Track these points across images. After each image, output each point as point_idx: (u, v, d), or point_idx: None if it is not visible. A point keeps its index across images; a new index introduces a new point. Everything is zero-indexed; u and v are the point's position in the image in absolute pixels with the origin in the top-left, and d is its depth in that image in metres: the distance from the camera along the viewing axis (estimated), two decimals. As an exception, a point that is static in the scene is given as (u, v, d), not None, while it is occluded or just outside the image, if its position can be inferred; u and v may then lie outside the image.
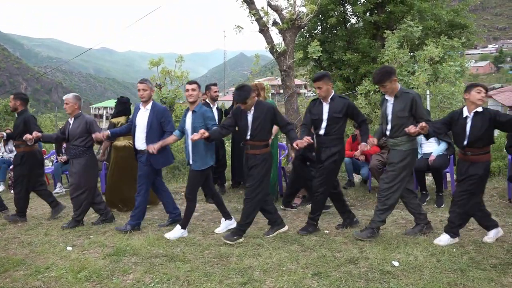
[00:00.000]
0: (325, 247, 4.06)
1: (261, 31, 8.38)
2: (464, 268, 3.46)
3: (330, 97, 4.41)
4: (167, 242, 4.34)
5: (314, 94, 11.23)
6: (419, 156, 5.68)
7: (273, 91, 24.30)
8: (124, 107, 6.15)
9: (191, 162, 4.57)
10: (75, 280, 3.47)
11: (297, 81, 15.67)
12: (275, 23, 8.36)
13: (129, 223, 4.82)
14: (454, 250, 3.88)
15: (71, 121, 5.14)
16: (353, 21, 16.21)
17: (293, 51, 8.30)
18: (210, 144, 4.54)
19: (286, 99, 8.26)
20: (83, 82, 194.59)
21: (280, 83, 8.81)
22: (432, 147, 5.80)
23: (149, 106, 4.86)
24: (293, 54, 8.30)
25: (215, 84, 6.75)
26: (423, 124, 3.87)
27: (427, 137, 4.15)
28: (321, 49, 8.85)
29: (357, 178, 7.05)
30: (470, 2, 15.71)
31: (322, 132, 4.41)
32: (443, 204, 5.55)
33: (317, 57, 9.04)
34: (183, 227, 4.59)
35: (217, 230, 4.72)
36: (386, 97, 4.24)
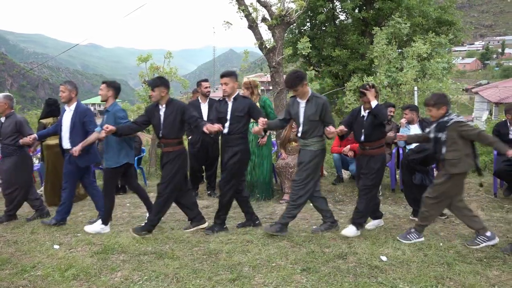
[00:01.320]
0: (314, 243, 4.08)
1: (250, 27, 8.33)
2: (450, 262, 3.51)
3: (234, 96, 4.47)
4: (155, 239, 4.31)
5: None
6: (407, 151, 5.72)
7: (262, 88, 24.28)
8: (51, 109, 6.32)
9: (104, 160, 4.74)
10: (62, 278, 3.43)
11: (286, 78, 15.67)
12: (264, 19, 8.32)
13: (55, 218, 4.96)
14: (441, 244, 3.94)
15: (2, 120, 5.27)
16: (342, 17, 16.28)
17: (282, 48, 8.28)
18: (124, 142, 4.63)
19: (276, 96, 8.25)
20: (70, 79, 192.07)
21: (269, 79, 8.79)
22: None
23: (72, 106, 4.98)
24: (282, 50, 8.28)
25: (206, 80, 6.70)
26: (341, 127, 4.34)
27: (342, 138, 4.66)
28: (310, 45, 8.86)
29: (346, 174, 7.08)
30: (457, -1, 15.89)
31: (226, 130, 4.46)
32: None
33: (306, 54, 9.05)
34: (104, 222, 4.68)
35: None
36: (298, 99, 4.33)
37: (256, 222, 4.75)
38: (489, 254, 3.65)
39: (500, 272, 3.31)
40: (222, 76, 4.50)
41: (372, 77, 8.97)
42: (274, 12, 8.14)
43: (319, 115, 4.24)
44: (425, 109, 4.26)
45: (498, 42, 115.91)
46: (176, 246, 4.10)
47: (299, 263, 3.62)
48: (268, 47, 8.12)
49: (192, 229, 4.59)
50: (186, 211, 4.71)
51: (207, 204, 5.93)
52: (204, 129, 4.17)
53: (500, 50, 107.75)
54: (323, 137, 4.34)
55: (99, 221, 4.70)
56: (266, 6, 8.20)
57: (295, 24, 15.73)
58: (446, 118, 3.90)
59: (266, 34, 8.77)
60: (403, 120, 5.47)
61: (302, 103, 4.31)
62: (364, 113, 4.33)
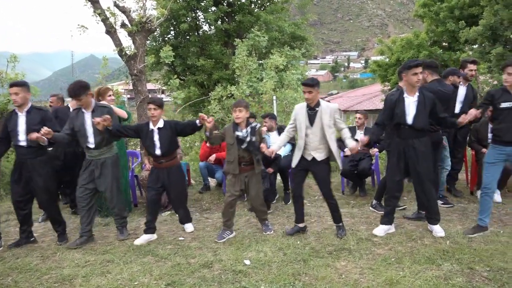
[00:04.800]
0: (180, 255, 4.01)
1: (108, 32, 7.88)
2: (306, 258, 3.80)
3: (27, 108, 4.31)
4: (-5, 271, 3.72)
5: (172, 99, 11.09)
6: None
7: (128, 96, 23.17)
8: None
9: None
10: None
11: (151, 86, 15.26)
12: (123, 25, 7.96)
13: None
14: (298, 242, 4.23)
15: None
16: (206, 28, 16.54)
17: (144, 55, 8.02)
18: None
19: (138, 105, 7.94)
20: None
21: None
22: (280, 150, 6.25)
23: None
24: (144, 58, 8.02)
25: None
26: None
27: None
28: (174, 54, 8.77)
29: (212, 182, 7.17)
30: (308, 17, 17.53)
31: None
32: (290, 201, 6.02)
33: (170, 62, 8.93)
34: None
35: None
36: (83, 110, 4.39)
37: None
38: (338, 247, 4.05)
39: (346, 262, 3.70)
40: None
41: (235, 86, 9.29)
42: (134, 18, 7.85)
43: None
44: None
45: (345, 57, 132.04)
46: (22, 277, 3.60)
47: (164, 278, 3.51)
48: (129, 54, 7.78)
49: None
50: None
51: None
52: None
53: (346, 64, 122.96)
54: (114, 143, 4.58)
55: None
56: (124, 11, 7.86)
57: (158, 32, 15.45)
58: (252, 124, 4.47)
59: (127, 41, 8.41)
60: (264, 128, 5.77)
61: (88, 114, 4.33)
62: (153, 127, 4.47)
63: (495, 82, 11.67)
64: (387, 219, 4.43)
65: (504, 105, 4.12)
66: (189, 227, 4.83)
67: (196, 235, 4.63)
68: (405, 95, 4.20)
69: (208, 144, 6.34)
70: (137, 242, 4.39)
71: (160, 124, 4.44)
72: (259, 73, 9.69)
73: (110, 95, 5.68)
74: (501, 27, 10.68)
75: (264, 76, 9.39)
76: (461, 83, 5.42)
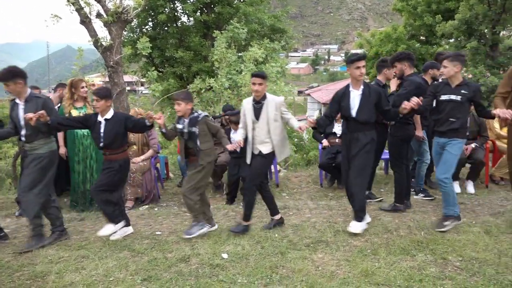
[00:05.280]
0: (157, 249, 3.96)
1: (82, 22, 7.66)
2: (283, 251, 3.81)
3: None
4: (-37, 269, 3.60)
5: (149, 92, 10.92)
6: None
7: (106, 88, 22.71)
8: None
9: None
10: None
11: (128, 78, 14.99)
12: (99, 15, 7.76)
13: None
14: (276, 235, 4.24)
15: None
16: (184, 19, 16.33)
17: (120, 46, 7.85)
18: None
19: (115, 97, 7.78)
20: None
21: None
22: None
23: None
24: (120, 49, 7.86)
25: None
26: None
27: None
28: (152, 45, 8.63)
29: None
30: (288, 9, 17.50)
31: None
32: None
33: (148, 54, 8.78)
34: None
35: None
36: (17, 101, 4.16)
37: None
38: (315, 239, 4.08)
39: (323, 254, 3.73)
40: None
41: (214, 79, 9.22)
42: (110, 8, 7.66)
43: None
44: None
45: (325, 50, 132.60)
46: (-8, 275, 3.50)
47: (140, 272, 3.46)
48: (105, 45, 7.60)
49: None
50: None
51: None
52: None
53: (326, 57, 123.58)
54: (52, 138, 4.23)
55: None
56: (100, 1, 7.66)
57: (136, 23, 15.17)
58: (195, 114, 4.18)
59: (103, 31, 8.21)
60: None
61: (21, 104, 4.08)
62: (101, 119, 4.24)
63: (470, 76, 11.92)
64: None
65: (443, 97, 4.21)
66: (107, 229, 4.28)
67: (173, 229, 4.58)
68: (351, 88, 4.21)
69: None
70: (113, 237, 4.30)
71: (109, 115, 4.23)
72: (238, 66, 9.63)
73: (83, 87, 5.56)
74: (476, 21, 10.90)
75: (243, 68, 9.33)
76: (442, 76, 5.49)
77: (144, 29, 15.64)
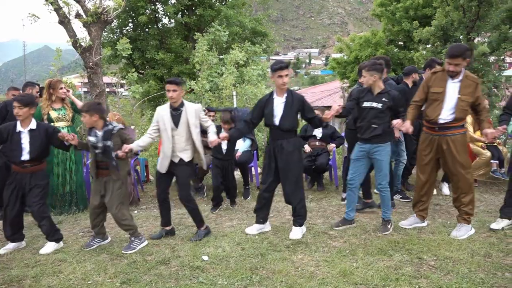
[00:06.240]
0: (136, 252, 3.93)
1: (61, 22, 7.57)
2: (264, 252, 3.84)
3: None
4: None
5: (129, 94, 10.79)
6: None
7: (85, 89, 22.37)
8: None
9: None
10: None
11: (107, 79, 14.81)
12: (78, 15, 7.67)
13: None
14: (257, 237, 4.27)
15: None
16: (165, 20, 16.24)
17: (100, 47, 7.78)
18: None
19: (94, 98, 7.69)
20: None
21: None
22: (238, 144, 6.25)
23: None
24: (100, 50, 7.78)
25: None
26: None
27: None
28: (132, 47, 8.57)
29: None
30: (270, 13, 17.62)
31: None
32: (249, 196, 6.05)
33: (128, 55, 8.71)
34: None
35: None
36: None
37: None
38: (295, 241, 4.12)
39: (303, 255, 3.77)
40: None
41: (195, 81, 9.20)
42: (90, 9, 7.58)
43: None
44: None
45: (306, 53, 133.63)
46: (-35, 280, 3.41)
47: (119, 275, 3.44)
48: (84, 45, 7.52)
49: None
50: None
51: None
52: None
53: (307, 60, 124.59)
54: None
55: None
56: (79, 1, 7.57)
57: (116, 24, 15.01)
58: (110, 127, 3.98)
59: (82, 32, 8.11)
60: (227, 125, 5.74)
61: None
62: (22, 129, 3.95)
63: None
64: (260, 218, 4.43)
65: (365, 104, 4.28)
66: (49, 247, 4.02)
67: (154, 232, 4.55)
68: (275, 95, 4.21)
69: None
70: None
71: (33, 125, 3.95)
72: (219, 68, 9.66)
73: (61, 88, 5.47)
74: (452, 28, 11.19)
75: (225, 71, 9.36)
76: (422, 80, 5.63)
77: (124, 30, 15.49)
